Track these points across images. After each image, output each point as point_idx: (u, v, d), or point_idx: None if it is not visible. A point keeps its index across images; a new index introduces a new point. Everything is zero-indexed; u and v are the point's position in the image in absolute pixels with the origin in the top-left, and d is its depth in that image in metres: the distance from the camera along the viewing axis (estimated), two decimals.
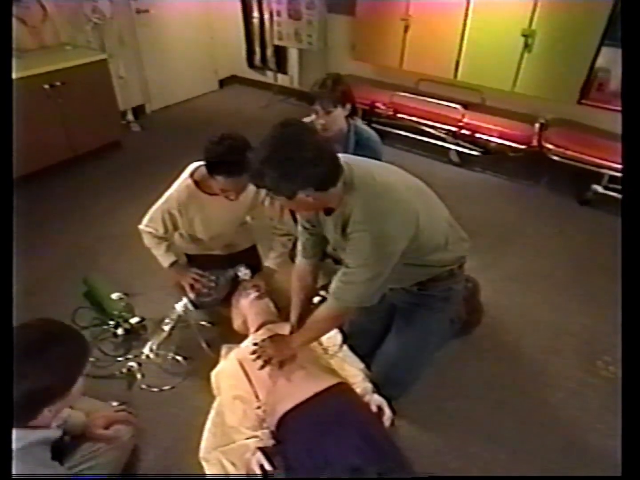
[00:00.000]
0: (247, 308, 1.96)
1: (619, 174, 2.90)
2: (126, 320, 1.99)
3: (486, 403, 1.83)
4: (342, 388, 1.63)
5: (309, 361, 1.70)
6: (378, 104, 3.72)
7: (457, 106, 3.37)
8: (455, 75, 3.37)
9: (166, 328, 1.85)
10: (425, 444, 1.69)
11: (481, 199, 3.23)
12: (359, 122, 2.18)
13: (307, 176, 1.19)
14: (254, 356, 1.67)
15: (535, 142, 3.19)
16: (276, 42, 4.25)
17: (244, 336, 1.95)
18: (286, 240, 2.12)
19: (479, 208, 3.10)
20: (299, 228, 1.65)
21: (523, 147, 3.23)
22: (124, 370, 1.83)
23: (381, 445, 1.46)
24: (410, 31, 3.39)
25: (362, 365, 1.83)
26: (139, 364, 1.84)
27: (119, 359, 1.91)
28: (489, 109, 3.48)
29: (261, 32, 4.49)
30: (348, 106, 1.98)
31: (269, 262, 2.10)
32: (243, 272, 1.99)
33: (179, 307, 1.87)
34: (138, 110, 4.13)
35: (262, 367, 1.63)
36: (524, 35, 2.97)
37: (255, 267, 2.28)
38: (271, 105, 4.58)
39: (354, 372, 1.80)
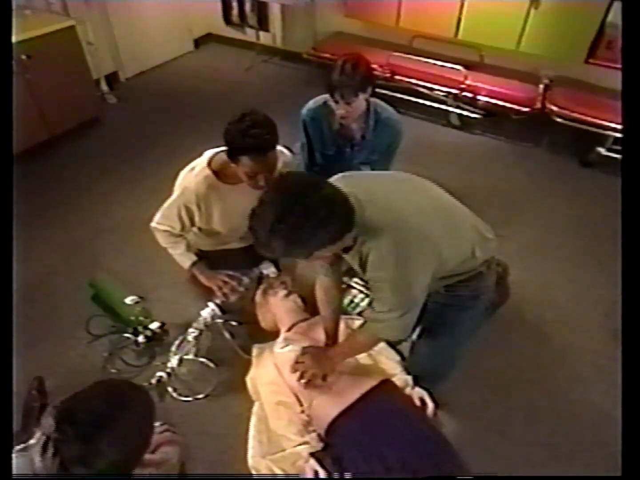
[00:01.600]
0: (276, 306, 1.89)
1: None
2: (146, 327, 1.88)
3: (519, 385, 1.86)
4: (386, 386, 1.62)
5: (348, 363, 1.66)
6: (374, 66, 3.49)
7: (459, 67, 3.21)
8: (457, 34, 3.19)
9: (191, 338, 1.75)
10: (469, 430, 1.71)
11: (484, 165, 3.17)
12: (378, 101, 2.03)
13: (320, 237, 1.07)
14: (292, 364, 1.63)
15: (539, 104, 3.11)
16: None
17: (273, 334, 1.90)
18: None
19: (484, 176, 3.04)
20: None
21: (527, 109, 3.14)
22: (153, 381, 1.74)
23: (430, 438, 1.49)
24: None
25: (398, 358, 1.82)
26: (168, 374, 1.76)
27: (143, 368, 1.83)
28: (491, 69, 3.34)
29: None
30: (369, 89, 1.83)
31: None
32: (270, 270, 1.89)
33: (206, 314, 1.77)
34: (111, 79, 3.76)
35: (306, 384, 1.59)
36: None
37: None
38: (255, 66, 4.26)
39: (391, 365, 1.79)
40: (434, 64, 3.27)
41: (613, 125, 2.88)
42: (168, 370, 1.75)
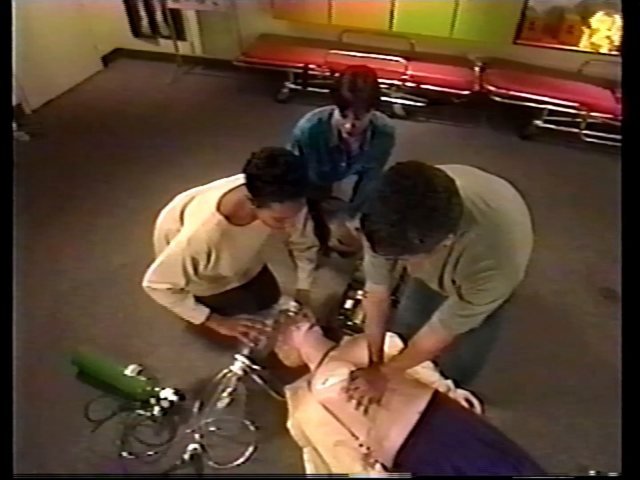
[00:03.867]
0: (300, 342, 1.76)
1: (557, 108, 3.13)
2: (158, 398, 1.65)
3: (529, 364, 1.92)
4: (439, 398, 1.58)
5: (395, 380, 1.60)
6: (312, 65, 3.42)
7: (400, 59, 3.24)
8: (391, 26, 3.21)
9: (225, 401, 1.57)
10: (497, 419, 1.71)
11: (434, 150, 3.22)
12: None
13: (451, 221, 0.99)
14: (341, 397, 1.54)
15: (477, 86, 3.25)
16: (173, 5, 3.56)
17: (298, 370, 1.77)
18: (312, 254, 1.90)
19: (436, 160, 3.04)
20: (367, 252, 1.44)
21: (467, 92, 3.27)
22: (186, 457, 1.54)
23: (497, 441, 1.49)
24: None
25: (432, 364, 1.80)
26: (202, 446, 1.56)
27: (168, 444, 1.61)
28: (425, 57, 3.42)
29: None
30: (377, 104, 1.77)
31: (301, 283, 1.89)
32: (289, 305, 1.75)
33: (237, 369, 1.58)
34: (16, 114, 3.25)
35: (359, 406, 1.50)
36: None
37: (274, 288, 2.05)
38: (178, 79, 3.95)
39: (428, 373, 1.77)
40: (374, 57, 3.26)
41: (546, 99, 3.10)
42: (200, 440, 1.56)
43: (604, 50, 3.02)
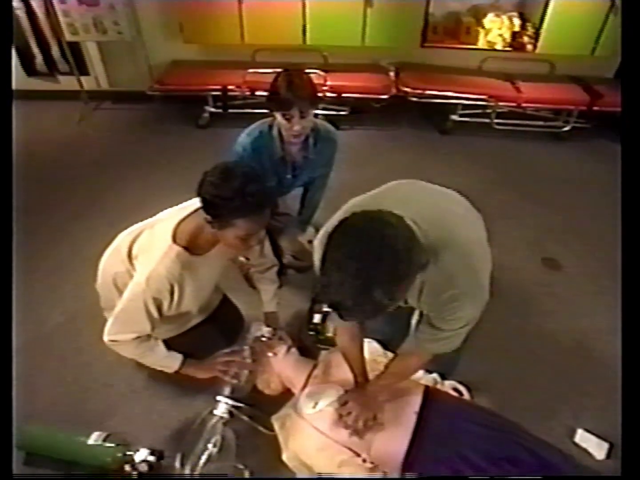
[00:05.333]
0: (280, 367, 1.66)
1: (470, 102, 3.36)
2: (133, 464, 1.46)
3: (501, 343, 1.97)
4: (430, 394, 1.57)
5: (384, 394, 1.56)
6: (231, 87, 3.35)
7: (318, 71, 3.28)
8: (304, 40, 3.26)
9: (213, 450, 1.41)
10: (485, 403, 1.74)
11: (364, 156, 3.27)
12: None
13: (415, 267, 0.93)
14: (334, 419, 1.48)
15: (394, 90, 3.40)
16: (71, 38, 3.32)
17: (281, 397, 1.67)
18: (273, 274, 1.82)
19: (367, 167, 3.06)
20: None
21: (385, 96, 3.41)
22: None
23: (496, 423, 1.52)
24: (246, 1, 3.08)
25: None
26: None
27: None
28: (343, 67, 3.51)
29: (34, 27, 3.44)
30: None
31: (268, 306, 1.80)
32: (263, 330, 1.64)
33: (222, 412, 1.43)
34: None
35: (355, 432, 1.45)
36: None
37: (237, 317, 1.94)
38: (87, 117, 3.68)
39: None
40: None
41: (458, 94, 3.32)
42: None
43: (498, 47, 3.31)
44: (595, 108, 3.29)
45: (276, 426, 1.59)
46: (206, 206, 1.25)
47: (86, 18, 3.18)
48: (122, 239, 1.54)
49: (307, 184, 2.14)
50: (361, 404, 1.46)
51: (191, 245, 1.38)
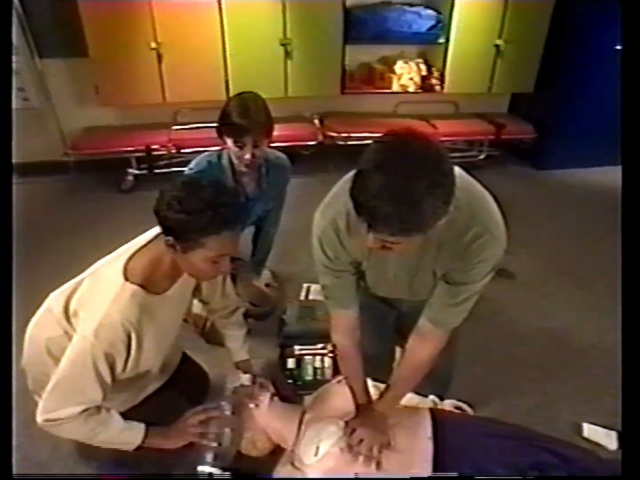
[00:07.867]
0: (266, 419, 1.41)
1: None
2: None
3: (481, 356, 1.93)
4: (437, 415, 1.43)
5: (393, 414, 1.39)
6: (155, 146, 3.21)
7: None
8: (228, 95, 3.27)
9: None
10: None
11: (295, 204, 3.25)
12: None
13: (454, 186, 0.86)
14: (344, 459, 1.27)
15: (321, 136, 3.50)
16: None
17: (272, 457, 1.42)
18: (239, 317, 1.62)
19: (301, 213, 3.07)
20: (325, 273, 1.26)
21: (313, 142, 3.49)
22: None
23: (510, 431, 1.43)
24: (165, 59, 3.04)
25: None
26: None
27: None
28: None
29: None
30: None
31: (238, 355, 1.58)
32: (242, 379, 1.40)
33: None
34: None
35: (371, 460, 1.25)
36: (282, 45, 3.16)
37: (202, 377, 1.68)
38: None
39: (408, 397, 1.59)
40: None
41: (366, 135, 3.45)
42: None
43: (411, 89, 3.60)
44: (502, 137, 3.65)
45: None
46: (168, 228, 1.07)
47: None
48: (53, 299, 1.27)
49: (259, 221, 2.01)
50: (371, 427, 1.29)
51: (147, 282, 1.15)
